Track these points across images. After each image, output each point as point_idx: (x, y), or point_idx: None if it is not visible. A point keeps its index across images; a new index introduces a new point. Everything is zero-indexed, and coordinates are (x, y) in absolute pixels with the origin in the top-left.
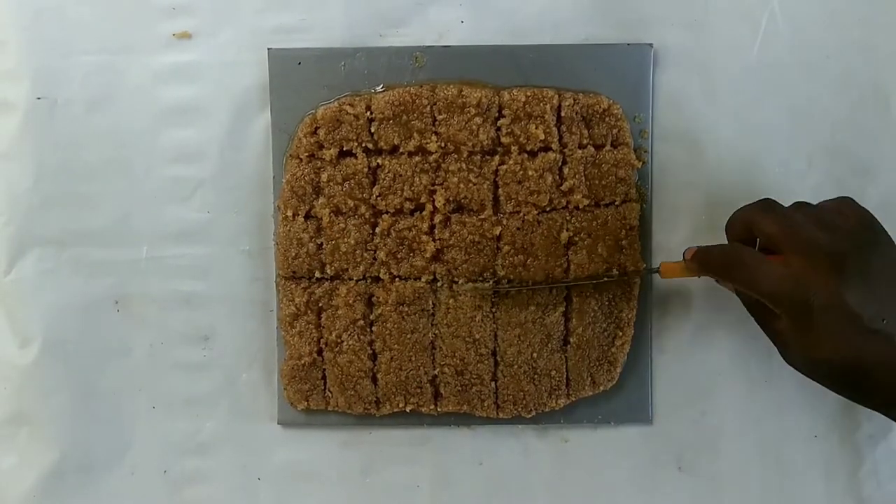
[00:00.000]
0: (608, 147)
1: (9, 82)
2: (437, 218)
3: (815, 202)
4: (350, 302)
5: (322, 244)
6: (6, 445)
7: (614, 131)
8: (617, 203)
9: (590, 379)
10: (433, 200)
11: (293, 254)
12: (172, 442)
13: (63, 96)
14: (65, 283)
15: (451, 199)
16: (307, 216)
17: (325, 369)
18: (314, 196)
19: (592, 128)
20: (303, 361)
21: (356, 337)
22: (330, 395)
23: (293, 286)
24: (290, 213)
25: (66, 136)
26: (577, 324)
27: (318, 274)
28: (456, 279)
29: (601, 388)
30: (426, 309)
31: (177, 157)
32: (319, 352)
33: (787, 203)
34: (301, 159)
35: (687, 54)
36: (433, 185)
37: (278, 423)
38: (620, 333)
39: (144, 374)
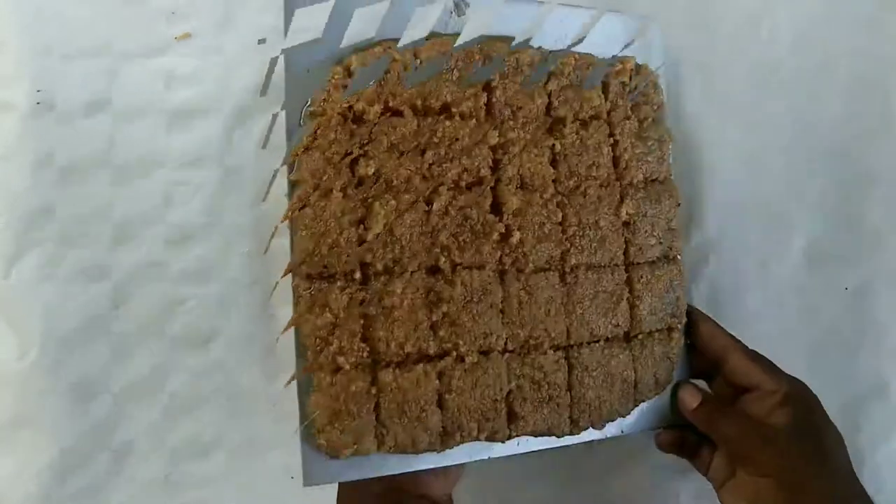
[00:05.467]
0: (650, 120)
1: (8, 84)
2: (505, 194)
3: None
4: (409, 301)
5: (366, 228)
6: (5, 449)
7: (654, 104)
8: (661, 179)
9: (653, 378)
10: (495, 173)
11: (329, 242)
12: (173, 446)
13: (62, 98)
14: (64, 286)
15: (514, 172)
16: (343, 192)
17: (379, 398)
18: (348, 165)
19: (634, 99)
20: (352, 389)
21: (419, 347)
22: (385, 431)
23: (326, 287)
24: (320, 190)
25: (65, 138)
26: (639, 313)
27: (357, 270)
28: (523, 267)
29: (662, 388)
30: (495, 304)
31: (177, 159)
32: (372, 377)
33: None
34: (332, 117)
35: (689, 56)
36: (491, 155)
37: (305, 486)
38: (677, 323)
39: (144, 377)
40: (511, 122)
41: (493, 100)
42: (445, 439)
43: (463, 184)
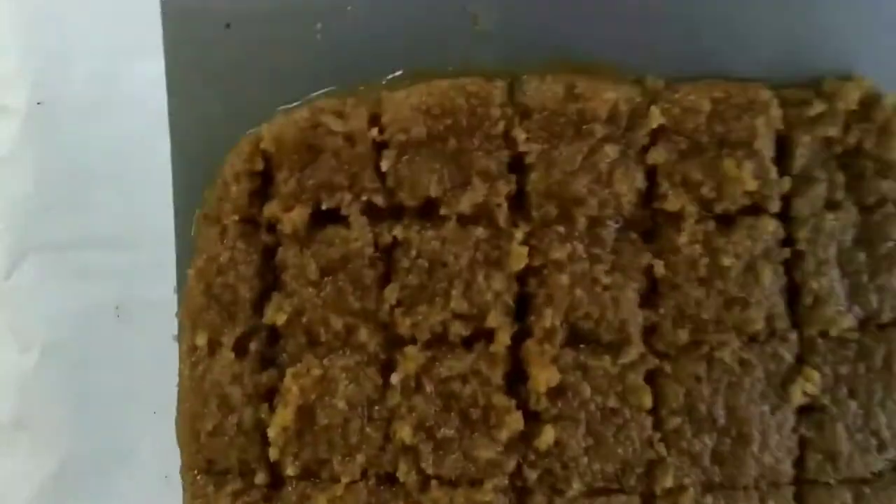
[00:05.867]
0: (891, 208)
1: (9, 88)
2: (534, 358)
3: None
4: None
5: (273, 407)
6: (7, 450)
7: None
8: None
9: None
10: (517, 320)
11: (210, 426)
12: (173, 447)
13: (63, 101)
14: (65, 289)
15: (558, 320)
16: (240, 347)
17: None
18: (253, 305)
19: (855, 167)
20: None
21: None
22: None
23: (212, 490)
24: (201, 342)
25: (65, 141)
26: None
27: (261, 470)
28: (564, 486)
29: None
30: None
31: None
32: None
33: None
34: (226, 227)
35: None
36: (515, 287)
37: None
38: None
39: (145, 379)
40: (560, 229)
41: (529, 188)
42: None
43: (453, 338)
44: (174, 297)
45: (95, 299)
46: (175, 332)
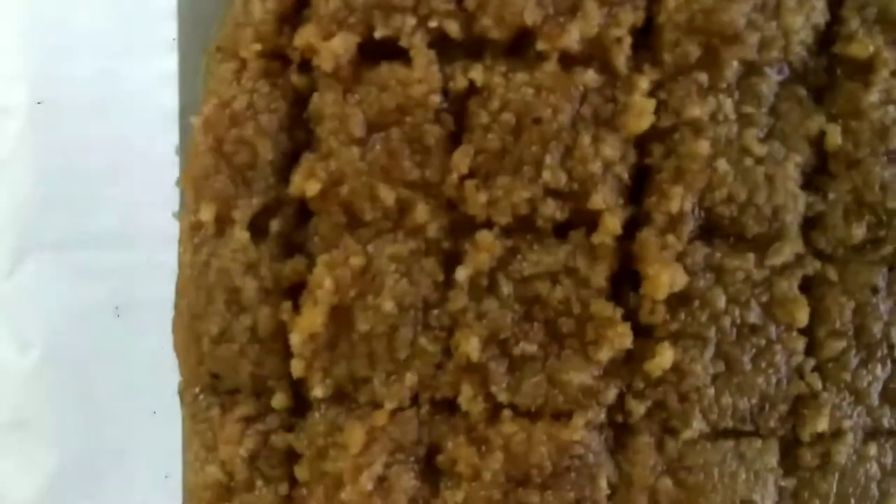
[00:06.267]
0: None
1: (9, 87)
2: (653, 253)
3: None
4: (377, 469)
5: (298, 307)
6: (7, 450)
7: None
8: None
9: None
10: (631, 199)
11: (216, 330)
12: (173, 447)
13: (63, 100)
14: (65, 288)
15: (690, 201)
16: (257, 226)
17: None
18: (277, 172)
19: None
20: None
21: None
22: None
23: (217, 413)
24: (207, 217)
25: (65, 140)
26: None
27: (280, 390)
28: (680, 424)
29: None
30: (592, 500)
31: (177, 161)
32: None
33: None
34: (244, 62)
35: None
36: (634, 153)
37: None
38: None
39: (145, 378)
40: (701, 78)
41: (659, 16)
42: None
43: (543, 223)
44: (174, 295)
45: (95, 299)
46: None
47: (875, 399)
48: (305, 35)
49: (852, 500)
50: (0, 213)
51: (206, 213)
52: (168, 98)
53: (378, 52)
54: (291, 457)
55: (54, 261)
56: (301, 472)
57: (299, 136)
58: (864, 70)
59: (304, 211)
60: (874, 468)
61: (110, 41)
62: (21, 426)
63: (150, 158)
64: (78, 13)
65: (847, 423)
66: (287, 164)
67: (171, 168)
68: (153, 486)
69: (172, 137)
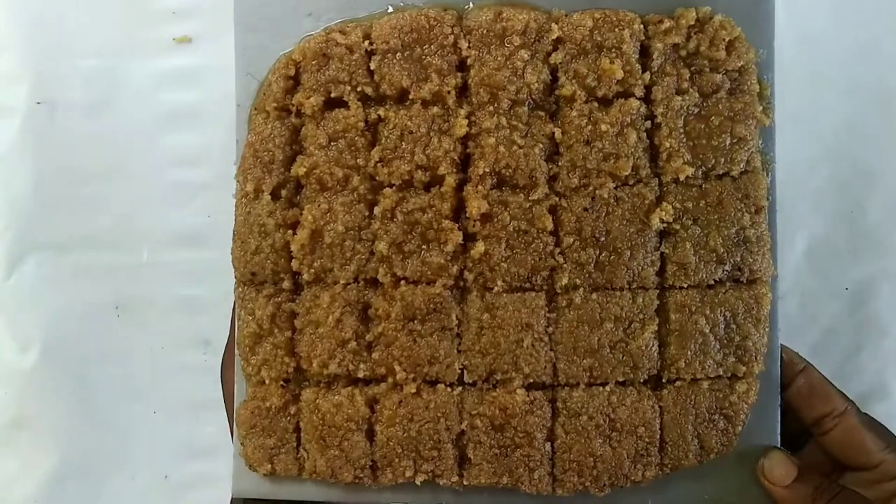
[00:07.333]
0: (722, 93)
1: (9, 86)
2: (471, 195)
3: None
4: (336, 316)
5: (296, 232)
6: (6, 450)
7: (731, 70)
8: (735, 174)
9: (696, 441)
10: (460, 170)
11: (253, 247)
12: (173, 447)
13: (63, 100)
14: (65, 288)
15: (487, 168)
16: (275, 193)
17: (299, 418)
18: (285, 165)
19: (695, 65)
20: (268, 405)
21: (346, 368)
22: (305, 455)
23: (254, 294)
24: (250, 189)
25: (65, 140)
26: (676, 353)
27: (287, 279)
28: (491, 284)
29: (712, 454)
30: (448, 327)
31: (177, 161)
32: (294, 394)
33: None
34: (269, 113)
35: None
36: (459, 147)
37: (233, 496)
38: (744, 370)
39: (145, 378)
40: (490, 108)
41: (470, 80)
42: (376, 474)
43: (417, 183)
44: (174, 297)
45: (95, 299)
46: (174, 331)
47: (592, 268)
48: (298, 97)
49: (585, 326)
50: (0, 213)
51: (250, 187)
52: (167, 97)
53: (333, 103)
54: (293, 315)
55: (54, 261)
56: (299, 322)
57: (295, 147)
58: (569, 101)
59: (298, 184)
60: (596, 307)
61: (110, 41)
62: (21, 426)
63: (150, 158)
64: (79, 12)
65: (578, 281)
66: (289, 161)
67: (171, 168)
68: (153, 486)
69: (172, 137)
